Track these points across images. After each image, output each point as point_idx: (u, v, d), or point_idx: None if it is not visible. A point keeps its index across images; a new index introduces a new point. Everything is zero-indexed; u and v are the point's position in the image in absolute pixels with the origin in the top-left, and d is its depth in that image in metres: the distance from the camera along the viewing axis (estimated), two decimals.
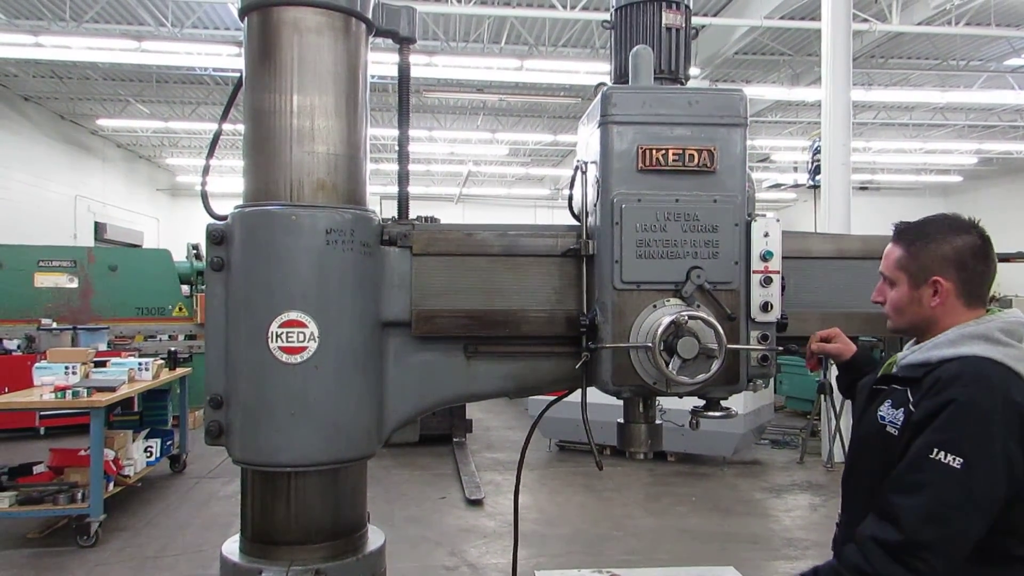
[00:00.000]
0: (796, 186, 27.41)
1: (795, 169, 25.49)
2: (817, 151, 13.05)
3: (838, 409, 10.77)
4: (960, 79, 18.76)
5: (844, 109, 11.12)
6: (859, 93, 16.36)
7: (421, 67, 14.90)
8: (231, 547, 2.48)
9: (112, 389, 7.71)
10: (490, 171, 29.80)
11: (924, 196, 32.03)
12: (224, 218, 2.43)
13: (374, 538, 2.63)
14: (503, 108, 21.33)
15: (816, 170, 12.96)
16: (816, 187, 13.41)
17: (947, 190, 32.67)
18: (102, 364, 8.72)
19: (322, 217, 2.35)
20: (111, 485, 7.84)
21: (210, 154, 2.77)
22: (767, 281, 2.44)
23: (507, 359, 2.60)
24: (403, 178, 2.68)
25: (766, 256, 2.43)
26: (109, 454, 7.85)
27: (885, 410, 2.38)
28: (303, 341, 2.32)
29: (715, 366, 2.31)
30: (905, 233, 2.42)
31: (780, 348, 2.45)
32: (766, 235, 2.44)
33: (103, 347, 12.20)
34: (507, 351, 2.59)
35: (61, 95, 20.33)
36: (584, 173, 2.53)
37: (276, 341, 2.31)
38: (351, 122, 2.49)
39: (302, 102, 2.40)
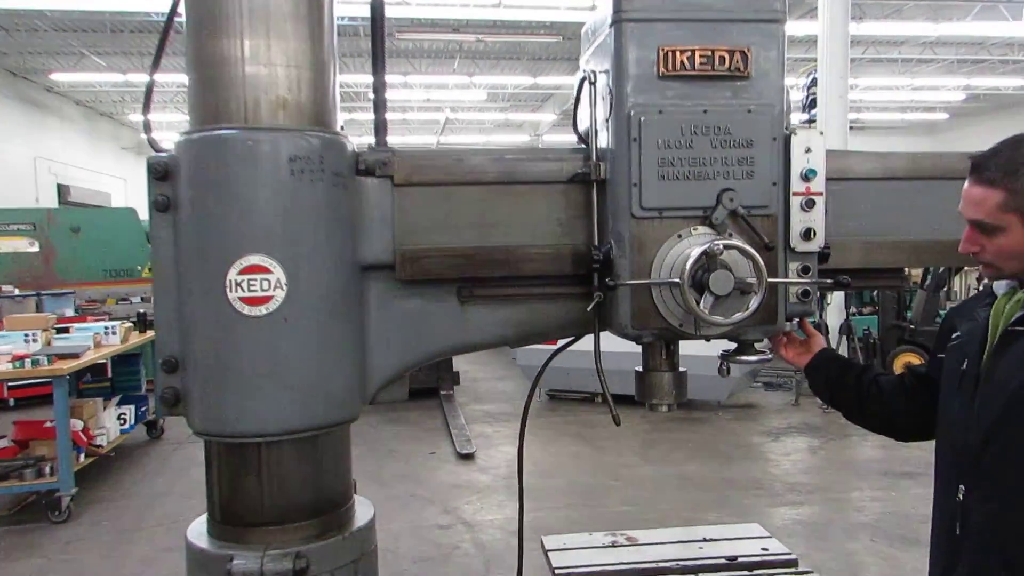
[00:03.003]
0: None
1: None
2: (812, 84, 12.64)
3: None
4: (953, 11, 18.34)
5: (842, 40, 10.77)
6: (851, 26, 15.92)
7: (393, 6, 14.27)
8: (198, 530, 2.17)
9: (76, 355, 7.32)
10: (468, 118, 29.13)
11: (909, 135, 31.77)
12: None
13: (362, 511, 2.34)
14: (480, 51, 20.66)
15: (812, 103, 12.56)
16: (812, 121, 13.03)
17: (933, 128, 32.39)
18: (66, 330, 8.32)
19: (285, 142, 1.99)
20: (82, 456, 7.51)
21: (154, 67, 2.39)
22: (809, 204, 2.11)
23: (507, 303, 2.29)
24: (380, 104, 2.32)
25: (808, 175, 2.11)
26: (77, 424, 7.50)
27: None
28: (268, 289, 1.98)
29: (753, 303, 2.00)
30: (990, 168, 1.99)
31: (828, 281, 2.13)
32: (808, 151, 2.11)
33: (70, 313, 11.75)
34: (506, 294, 2.27)
35: (10, 49, 19.41)
36: (593, 84, 2.18)
37: (236, 291, 1.97)
38: (315, 32, 2.12)
39: (255, 5, 2.01)
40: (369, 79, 2.39)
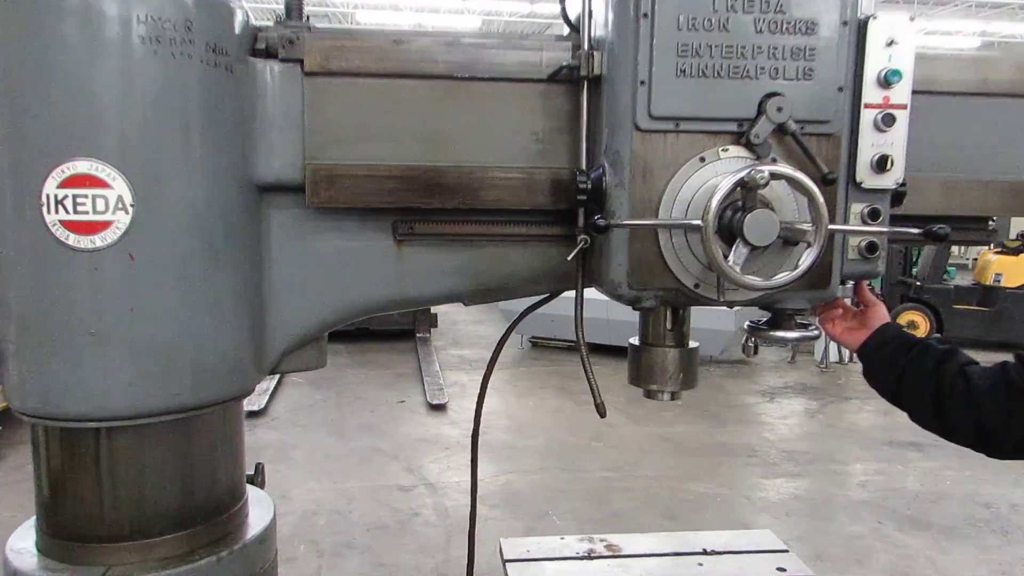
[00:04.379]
0: None
1: None
2: None
3: None
4: None
5: None
6: None
7: None
8: (20, 545, 1.62)
9: None
10: None
11: None
12: None
13: (257, 516, 1.79)
14: None
15: None
16: None
17: None
18: None
19: None
20: None
21: None
22: (887, 121, 1.54)
23: (459, 246, 1.76)
24: None
25: (889, 79, 1.52)
26: None
27: None
28: (104, 212, 1.41)
29: (806, 259, 1.44)
30: None
31: (915, 231, 1.55)
32: (891, 43, 1.53)
33: None
34: (459, 233, 1.74)
35: None
36: None
37: (56, 211, 1.39)
38: None
39: None
40: None
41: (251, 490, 1.86)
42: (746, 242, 1.41)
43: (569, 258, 1.62)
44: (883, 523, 5.51)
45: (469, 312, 13.48)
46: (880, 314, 1.75)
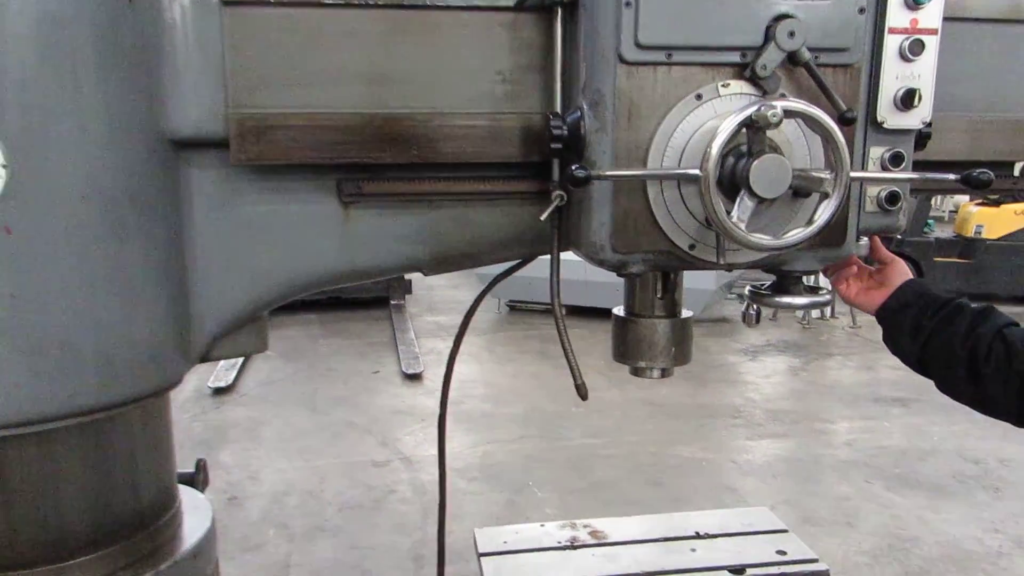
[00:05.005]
0: None
1: None
2: None
3: None
4: None
5: None
6: None
7: None
8: None
9: None
10: None
11: None
12: None
13: (193, 525, 1.56)
14: None
15: None
16: None
17: None
18: None
19: None
20: None
21: None
22: (915, 49, 1.31)
23: (416, 207, 1.53)
24: None
25: None
26: None
27: None
28: None
29: (824, 213, 1.22)
30: None
31: (952, 177, 1.34)
32: None
33: None
34: (415, 192, 1.49)
35: None
36: None
37: None
38: None
39: None
40: None
41: (187, 495, 1.64)
42: (753, 194, 1.18)
43: (542, 218, 1.40)
44: (871, 482, 5.41)
45: (445, 277, 13.22)
46: (900, 270, 1.54)
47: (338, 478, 5.38)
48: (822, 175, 1.21)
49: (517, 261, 1.79)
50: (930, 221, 14.27)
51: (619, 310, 1.59)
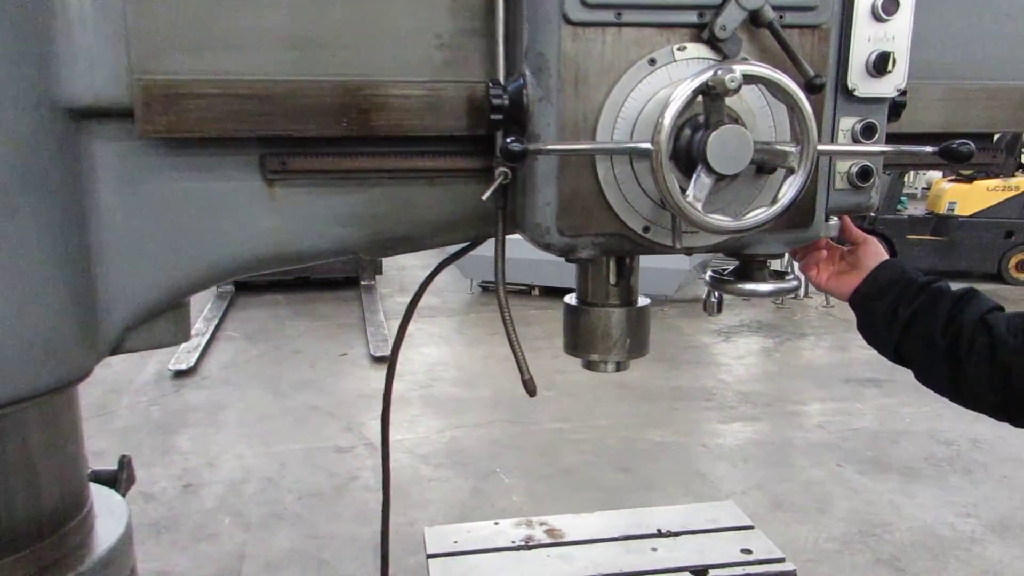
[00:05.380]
0: None
1: None
2: None
3: None
4: None
5: None
6: None
7: None
8: None
9: None
10: None
11: None
12: None
13: (106, 530, 1.44)
14: None
15: None
16: None
17: None
18: None
19: None
20: None
21: None
22: (889, 8, 1.20)
23: (350, 185, 1.41)
24: None
25: None
26: None
27: None
28: None
29: (790, 189, 1.11)
30: None
31: (928, 150, 1.24)
32: None
33: None
34: (347, 169, 1.37)
35: None
36: None
37: None
38: None
39: None
40: None
41: (101, 497, 1.52)
42: (710, 170, 1.07)
43: (484, 197, 1.27)
44: (843, 466, 5.38)
45: (418, 257, 13.08)
46: (874, 251, 1.44)
47: (299, 465, 5.26)
48: (787, 148, 1.10)
49: (463, 245, 1.67)
50: (903, 199, 14.34)
51: (570, 298, 1.48)
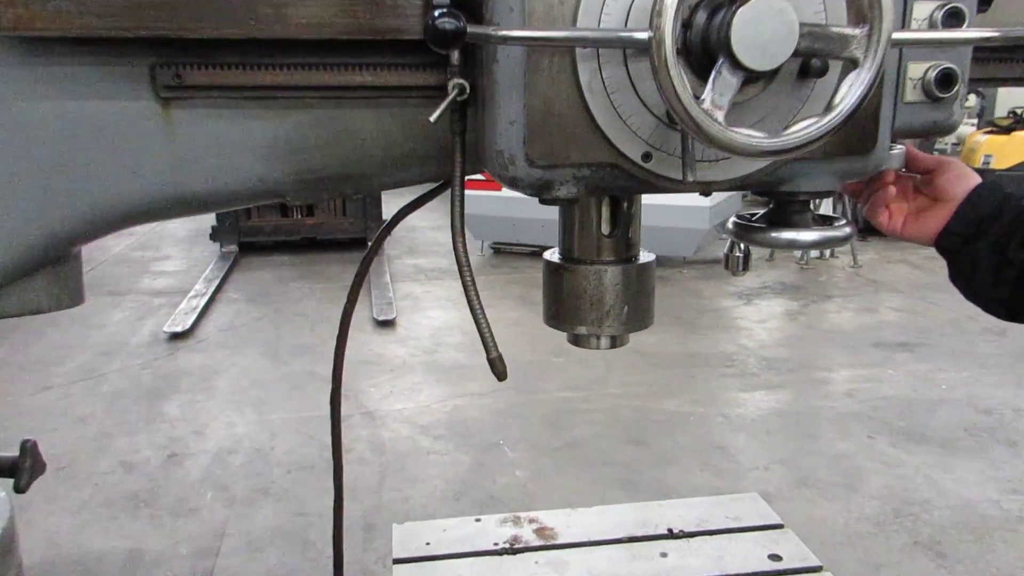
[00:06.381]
0: None
1: None
2: None
3: None
4: None
5: None
6: None
7: None
8: None
9: None
10: None
11: None
12: None
13: None
14: None
15: None
16: None
17: None
18: None
19: None
20: None
21: None
22: None
23: (264, 107, 1.09)
24: None
25: None
26: None
27: None
28: None
29: (855, 89, 0.79)
30: None
31: None
32: None
33: None
34: (259, 85, 1.07)
35: None
36: None
37: None
38: None
39: None
40: None
41: None
42: (736, 64, 0.76)
43: (432, 119, 0.97)
44: (874, 438, 5.07)
45: (430, 217, 12.75)
46: (958, 175, 1.11)
47: (290, 435, 5.01)
48: (848, 31, 0.78)
49: (433, 186, 1.37)
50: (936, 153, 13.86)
51: (551, 254, 1.17)
